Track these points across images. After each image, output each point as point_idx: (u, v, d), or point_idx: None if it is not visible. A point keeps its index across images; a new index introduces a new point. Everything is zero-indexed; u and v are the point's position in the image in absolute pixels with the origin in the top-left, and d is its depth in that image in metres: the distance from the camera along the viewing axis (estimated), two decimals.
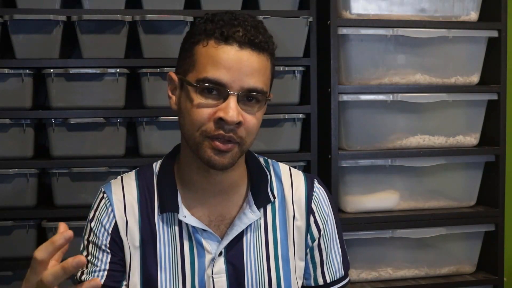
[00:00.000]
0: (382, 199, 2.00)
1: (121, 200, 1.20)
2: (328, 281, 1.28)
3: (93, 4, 1.81)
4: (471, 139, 2.06)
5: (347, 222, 1.92)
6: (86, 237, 1.21)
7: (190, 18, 1.80)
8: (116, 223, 1.18)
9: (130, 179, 1.22)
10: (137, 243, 1.18)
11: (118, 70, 1.80)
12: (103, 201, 1.21)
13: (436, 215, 2.00)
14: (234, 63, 1.07)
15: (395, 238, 1.97)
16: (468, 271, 2.07)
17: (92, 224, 1.20)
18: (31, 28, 1.76)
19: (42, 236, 1.81)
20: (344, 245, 1.33)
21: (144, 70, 1.81)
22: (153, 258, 1.17)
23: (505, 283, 2.09)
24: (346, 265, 1.32)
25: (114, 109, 1.83)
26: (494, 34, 2.00)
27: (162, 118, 1.82)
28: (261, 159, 1.28)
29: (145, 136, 1.84)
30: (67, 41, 1.87)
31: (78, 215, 1.75)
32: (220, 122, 1.07)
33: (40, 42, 1.78)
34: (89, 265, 1.17)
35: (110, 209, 1.19)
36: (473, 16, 2.03)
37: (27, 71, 1.78)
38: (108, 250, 1.17)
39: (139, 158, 1.86)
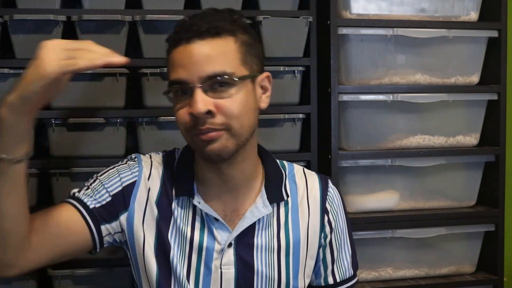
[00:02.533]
0: (382, 199, 2.00)
1: (149, 169, 1.24)
2: (338, 280, 1.30)
3: (93, 4, 1.81)
4: (471, 139, 2.06)
5: None
6: (98, 174, 1.25)
7: None
8: (134, 183, 1.21)
9: (158, 158, 1.28)
10: (155, 213, 1.20)
11: (118, 70, 1.80)
12: (132, 162, 1.26)
13: (436, 215, 2.00)
14: (186, 58, 1.12)
15: (395, 238, 1.97)
16: (468, 271, 2.07)
17: (111, 171, 1.24)
18: (31, 28, 1.75)
19: None
20: (354, 245, 1.34)
21: (144, 70, 1.81)
22: (167, 232, 1.20)
23: (505, 283, 2.09)
24: (355, 265, 1.33)
25: (114, 109, 1.83)
26: (494, 34, 2.00)
27: (162, 118, 1.82)
28: (277, 161, 1.30)
29: (145, 136, 1.84)
30: None
31: None
32: (193, 116, 1.11)
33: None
34: (88, 190, 1.20)
35: (136, 169, 1.23)
36: (473, 16, 2.03)
37: None
38: (111, 196, 1.20)
39: None
